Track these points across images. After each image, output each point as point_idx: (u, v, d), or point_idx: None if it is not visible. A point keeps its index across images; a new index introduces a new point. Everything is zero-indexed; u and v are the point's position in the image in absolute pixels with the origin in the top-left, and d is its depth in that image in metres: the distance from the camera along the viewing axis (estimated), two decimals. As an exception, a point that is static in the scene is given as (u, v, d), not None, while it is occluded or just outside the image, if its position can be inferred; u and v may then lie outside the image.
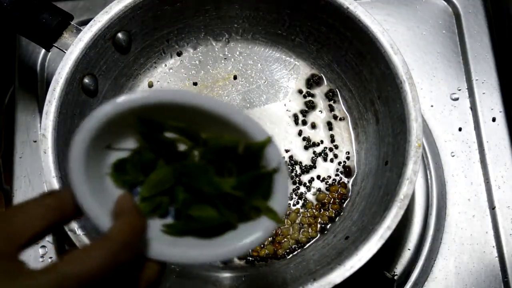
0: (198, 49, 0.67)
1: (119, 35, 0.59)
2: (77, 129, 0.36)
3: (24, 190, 0.65)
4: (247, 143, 0.39)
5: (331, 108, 0.65)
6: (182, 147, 0.40)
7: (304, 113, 0.65)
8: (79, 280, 0.30)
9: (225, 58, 0.67)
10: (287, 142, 0.64)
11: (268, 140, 0.38)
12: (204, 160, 0.40)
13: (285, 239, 0.60)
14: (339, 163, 0.63)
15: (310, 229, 0.60)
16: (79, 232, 0.50)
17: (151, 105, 0.37)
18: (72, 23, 0.58)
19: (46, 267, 0.31)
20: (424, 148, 0.65)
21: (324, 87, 0.66)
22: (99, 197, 0.37)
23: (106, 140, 0.38)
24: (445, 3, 0.72)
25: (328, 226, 0.61)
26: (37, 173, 0.66)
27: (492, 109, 0.67)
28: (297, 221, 0.61)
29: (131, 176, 0.39)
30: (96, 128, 0.36)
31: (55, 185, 0.52)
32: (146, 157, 0.39)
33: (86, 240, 0.50)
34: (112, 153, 0.39)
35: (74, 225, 0.50)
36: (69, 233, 0.50)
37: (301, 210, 0.61)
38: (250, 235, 0.38)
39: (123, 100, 0.37)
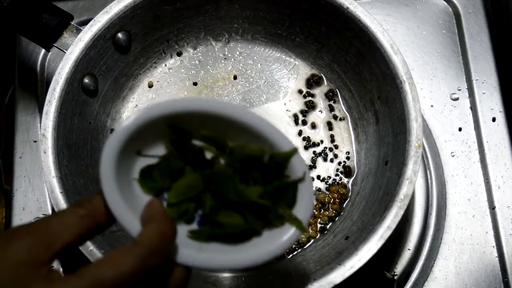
0: (198, 49, 0.67)
1: (119, 35, 0.59)
2: (110, 135, 0.37)
3: (24, 190, 0.65)
4: (272, 152, 0.40)
5: (331, 108, 0.65)
6: (208, 155, 0.41)
7: (304, 113, 0.65)
8: (109, 284, 0.31)
9: (225, 58, 0.67)
10: (287, 142, 0.64)
11: (294, 151, 0.40)
12: (230, 169, 0.40)
13: (285, 239, 0.60)
14: (339, 163, 0.63)
15: (310, 229, 0.60)
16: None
17: (180, 113, 0.38)
18: (72, 23, 0.58)
19: (79, 272, 0.32)
20: (424, 148, 0.65)
21: (324, 87, 0.66)
22: (128, 202, 0.37)
23: (136, 146, 0.39)
24: (445, 3, 0.72)
25: (328, 226, 0.61)
26: (37, 173, 0.66)
27: (492, 109, 0.67)
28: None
29: (158, 182, 0.40)
30: (127, 134, 0.37)
31: (55, 185, 0.52)
32: (174, 164, 0.40)
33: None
34: (141, 160, 0.40)
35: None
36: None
37: (301, 210, 0.61)
38: (275, 242, 0.39)
39: (153, 107, 0.38)
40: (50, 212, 0.65)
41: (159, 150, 0.41)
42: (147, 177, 0.40)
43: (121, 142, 0.37)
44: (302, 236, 0.60)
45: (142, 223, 0.36)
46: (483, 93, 0.67)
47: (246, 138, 0.40)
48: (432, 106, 0.68)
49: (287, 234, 0.39)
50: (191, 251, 0.38)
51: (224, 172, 0.40)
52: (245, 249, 0.40)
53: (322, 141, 0.64)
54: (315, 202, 0.61)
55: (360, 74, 0.61)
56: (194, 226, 0.40)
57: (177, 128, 0.40)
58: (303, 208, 0.40)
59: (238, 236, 0.40)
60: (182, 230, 0.39)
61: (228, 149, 0.41)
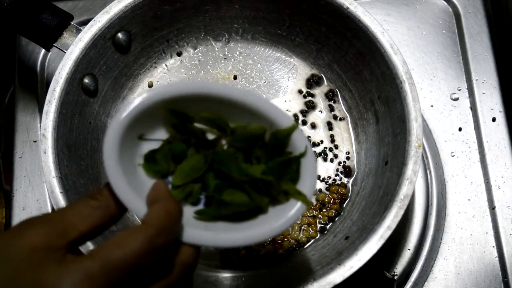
0: (198, 49, 0.67)
1: (119, 35, 0.59)
2: (110, 122, 0.37)
3: (24, 190, 0.65)
4: (273, 130, 0.40)
5: (331, 108, 0.65)
6: (210, 136, 0.42)
7: (304, 113, 0.65)
8: (119, 264, 0.32)
9: (225, 58, 0.67)
10: (287, 142, 0.64)
11: (294, 127, 0.40)
12: (232, 148, 0.41)
13: (285, 239, 0.60)
14: (339, 163, 0.63)
15: (310, 229, 0.60)
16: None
17: (180, 96, 0.39)
18: (72, 23, 0.58)
19: (90, 253, 0.33)
20: (424, 148, 0.65)
21: (324, 87, 0.66)
22: (135, 188, 0.38)
23: (138, 131, 0.40)
24: (445, 3, 0.72)
25: (328, 226, 0.61)
26: (37, 173, 0.66)
27: (492, 109, 0.67)
28: (297, 221, 0.61)
29: (162, 166, 0.40)
30: (129, 119, 0.38)
31: (55, 185, 0.52)
32: (177, 147, 0.41)
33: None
34: (144, 144, 0.41)
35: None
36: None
37: (301, 210, 0.61)
38: (281, 218, 0.40)
39: (154, 91, 0.38)
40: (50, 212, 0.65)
41: (161, 134, 0.41)
42: (151, 162, 0.40)
43: (122, 128, 0.38)
44: (302, 236, 0.60)
45: (148, 204, 0.37)
46: (483, 93, 0.67)
47: (247, 118, 0.41)
48: (432, 106, 0.68)
49: (293, 209, 0.40)
50: (198, 231, 0.38)
51: (226, 152, 0.41)
52: (251, 226, 0.40)
53: (322, 141, 0.64)
54: (314, 202, 0.61)
55: (360, 74, 0.61)
56: (199, 207, 0.41)
57: (177, 112, 0.40)
58: (307, 183, 0.40)
59: (243, 214, 0.40)
60: (188, 211, 0.40)
61: (230, 130, 0.41)
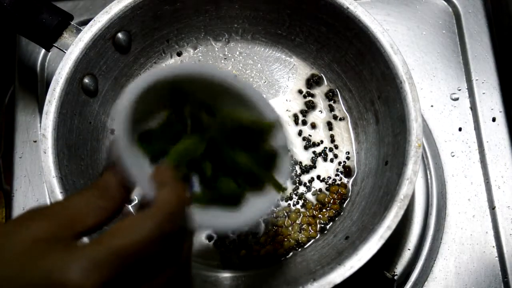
0: (198, 49, 0.67)
1: (119, 35, 0.59)
2: (121, 96, 0.38)
3: (24, 190, 0.65)
4: (258, 121, 0.43)
5: (331, 108, 0.65)
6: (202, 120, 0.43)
7: (304, 113, 0.65)
8: (128, 250, 0.31)
9: (225, 58, 0.67)
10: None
11: (277, 122, 0.44)
12: (220, 135, 0.43)
13: (285, 239, 0.60)
14: (339, 163, 0.63)
15: (310, 229, 0.60)
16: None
17: (180, 76, 0.41)
18: (72, 23, 0.58)
19: (96, 239, 0.32)
20: (424, 148, 0.65)
21: (324, 87, 0.66)
22: (141, 166, 0.37)
23: (139, 112, 0.40)
24: (445, 3, 0.72)
25: (328, 226, 0.61)
26: (37, 173, 0.66)
27: (492, 109, 0.67)
28: (297, 221, 0.61)
29: (157, 146, 0.41)
30: (137, 94, 0.38)
31: (55, 185, 0.52)
32: (173, 128, 0.42)
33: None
34: (141, 125, 0.41)
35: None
36: None
37: (301, 210, 0.61)
38: (260, 205, 0.43)
39: (156, 70, 0.40)
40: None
41: (159, 117, 0.42)
42: (145, 142, 0.41)
43: (132, 104, 0.37)
44: (302, 236, 0.60)
45: (155, 187, 0.36)
46: (483, 93, 0.67)
47: (237, 105, 0.43)
48: (432, 106, 0.68)
49: (269, 197, 0.43)
50: (196, 214, 0.39)
51: (220, 138, 0.42)
52: (238, 211, 0.42)
53: (322, 141, 0.64)
54: (314, 202, 0.61)
55: (360, 74, 0.61)
56: (195, 190, 0.42)
57: (177, 91, 0.41)
58: (282, 173, 0.44)
59: (231, 199, 0.42)
60: None
61: (220, 115, 0.43)
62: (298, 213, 0.61)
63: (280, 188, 0.43)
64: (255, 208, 0.42)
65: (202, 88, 0.42)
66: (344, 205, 0.61)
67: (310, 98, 0.65)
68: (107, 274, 0.31)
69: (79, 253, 0.31)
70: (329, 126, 0.64)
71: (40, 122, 0.55)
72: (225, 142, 0.42)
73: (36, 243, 0.31)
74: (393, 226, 0.49)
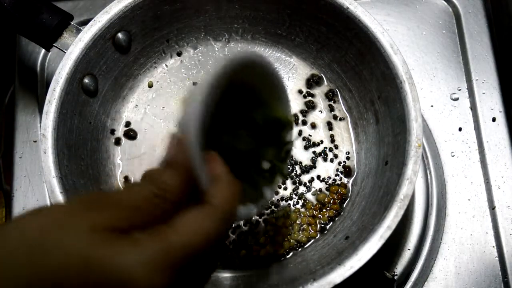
0: (198, 49, 0.67)
1: (119, 35, 0.59)
2: (193, 88, 0.37)
3: (24, 190, 0.65)
4: (287, 116, 0.47)
5: (331, 108, 0.65)
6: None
7: (304, 113, 0.65)
8: (185, 249, 0.30)
9: (225, 58, 0.67)
10: (287, 142, 0.64)
11: (291, 121, 0.48)
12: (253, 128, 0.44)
13: (285, 239, 0.60)
14: (339, 163, 0.63)
15: (310, 229, 0.60)
16: None
17: (238, 63, 0.40)
18: (72, 23, 0.58)
19: (154, 233, 0.30)
20: (424, 148, 0.65)
21: (324, 87, 0.66)
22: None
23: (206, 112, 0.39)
24: (445, 3, 0.72)
25: (328, 226, 0.61)
26: (37, 173, 0.66)
27: (492, 109, 0.67)
28: (297, 221, 0.61)
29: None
30: (210, 87, 0.36)
31: (55, 185, 0.52)
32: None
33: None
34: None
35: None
36: None
37: (301, 210, 0.61)
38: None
39: (219, 61, 0.38)
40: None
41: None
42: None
43: (202, 105, 0.35)
44: (302, 236, 0.60)
45: (209, 181, 0.34)
46: (483, 93, 0.67)
47: (275, 98, 0.46)
48: (432, 106, 0.68)
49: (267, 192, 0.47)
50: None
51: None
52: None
53: (322, 141, 0.64)
54: (314, 202, 0.61)
55: (360, 74, 0.61)
56: None
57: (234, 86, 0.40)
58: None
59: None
60: None
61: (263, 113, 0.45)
62: (298, 213, 0.61)
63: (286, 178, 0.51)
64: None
65: (258, 80, 0.42)
66: (344, 205, 0.61)
67: (310, 98, 0.65)
68: (171, 275, 0.30)
69: (132, 249, 0.29)
70: (329, 126, 0.64)
71: (40, 122, 0.55)
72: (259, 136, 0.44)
73: (93, 232, 0.30)
74: (393, 226, 0.49)
